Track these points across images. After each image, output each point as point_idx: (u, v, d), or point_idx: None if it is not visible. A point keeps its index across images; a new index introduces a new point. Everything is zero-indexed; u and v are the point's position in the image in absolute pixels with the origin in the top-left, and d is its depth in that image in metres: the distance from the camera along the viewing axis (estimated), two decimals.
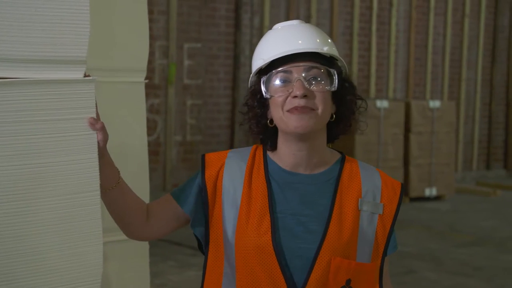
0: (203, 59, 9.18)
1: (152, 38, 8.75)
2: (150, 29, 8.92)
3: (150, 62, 8.75)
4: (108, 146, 2.34)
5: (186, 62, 9.08)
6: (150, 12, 8.71)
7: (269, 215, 1.83)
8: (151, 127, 8.82)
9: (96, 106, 1.75)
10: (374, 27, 10.72)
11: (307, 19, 10.07)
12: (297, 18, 9.88)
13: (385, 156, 9.37)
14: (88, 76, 1.73)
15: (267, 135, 1.91)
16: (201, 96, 9.13)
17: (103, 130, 1.76)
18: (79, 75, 1.70)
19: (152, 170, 8.71)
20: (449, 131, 10.03)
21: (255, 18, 9.57)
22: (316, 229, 1.83)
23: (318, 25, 10.13)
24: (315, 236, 1.82)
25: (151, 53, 8.72)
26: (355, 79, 10.36)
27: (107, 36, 2.40)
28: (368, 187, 1.89)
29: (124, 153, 2.47)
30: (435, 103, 9.84)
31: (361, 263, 1.84)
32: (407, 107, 9.63)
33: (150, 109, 8.82)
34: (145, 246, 2.57)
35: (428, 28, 11.37)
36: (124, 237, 2.40)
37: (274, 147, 1.92)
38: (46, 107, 1.66)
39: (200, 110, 9.13)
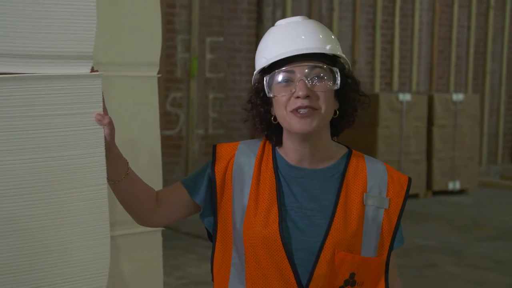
0: (225, 52, 9.20)
1: (174, 32, 8.79)
2: (172, 23, 8.98)
3: (172, 56, 8.84)
4: (121, 140, 2.36)
5: (208, 56, 9.10)
6: (172, 6, 8.75)
7: (277, 206, 1.85)
8: (173, 121, 8.87)
9: (103, 101, 1.78)
10: (397, 20, 10.66)
11: (329, 12, 10.05)
12: (319, 11, 9.87)
13: (407, 149, 9.32)
14: (96, 71, 1.75)
15: (272, 131, 1.92)
16: (223, 89, 9.16)
17: (110, 124, 1.78)
18: (86, 70, 1.72)
19: (174, 164, 8.76)
20: (473, 124, 9.96)
21: (277, 11, 9.56)
22: (320, 223, 1.84)
23: (340, 18, 10.10)
24: (319, 229, 1.84)
25: (173, 47, 8.77)
26: (377, 72, 10.32)
27: (120, 31, 2.41)
28: (374, 182, 1.90)
29: (137, 148, 2.49)
30: (458, 96, 9.77)
31: (366, 257, 1.85)
32: (430, 100, 9.57)
33: (172, 103, 8.86)
34: (158, 238, 2.59)
35: (452, 20, 11.27)
36: (137, 230, 2.44)
37: (279, 143, 1.93)
38: (53, 102, 1.68)
39: (222, 103, 9.15)
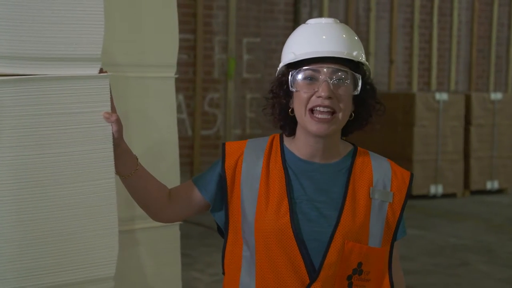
0: (262, 53, 9.30)
1: (211, 33, 8.93)
2: (210, 24, 9.11)
3: (209, 57, 8.98)
4: (138, 139, 2.46)
5: (245, 57, 9.22)
6: (210, 7, 8.89)
7: (287, 200, 1.94)
8: (211, 121, 9.01)
9: (112, 100, 1.89)
10: (435, 19, 10.63)
11: (366, 12, 10.08)
12: (356, 11, 9.91)
13: (444, 149, 9.29)
14: (104, 72, 1.87)
15: (287, 122, 2.01)
16: (260, 90, 9.25)
17: (117, 121, 1.89)
18: (95, 71, 1.85)
19: (211, 163, 8.88)
20: None
21: (314, 12, 9.62)
22: (330, 214, 1.93)
23: (377, 18, 10.12)
24: (329, 220, 1.93)
25: (211, 48, 8.91)
26: (415, 72, 10.28)
27: (138, 33, 2.50)
28: (379, 177, 1.99)
29: (154, 147, 2.58)
30: (496, 95, 9.70)
31: (372, 247, 1.94)
32: (467, 99, 9.53)
33: (210, 103, 9.00)
34: (176, 232, 2.68)
35: (491, 19, 11.19)
36: (156, 223, 2.53)
37: (292, 134, 2.02)
38: (63, 101, 1.81)
39: (259, 104, 9.25)
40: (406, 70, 10.51)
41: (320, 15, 9.55)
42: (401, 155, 9.01)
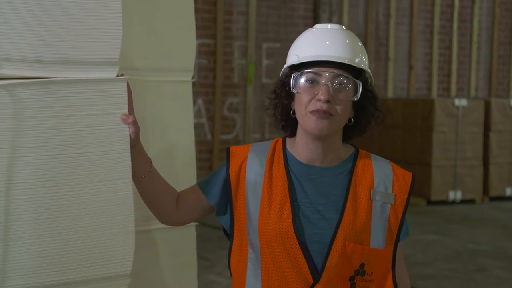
0: (282, 58, 9.28)
1: (231, 38, 9.00)
2: (230, 29, 9.19)
3: (229, 62, 9.05)
4: (156, 143, 2.51)
5: (265, 62, 9.28)
6: (230, 13, 8.96)
7: (289, 203, 1.98)
8: (230, 125, 9.07)
9: (131, 102, 1.95)
10: (455, 25, 10.63)
11: (386, 18, 10.10)
12: (376, 17, 9.94)
13: (463, 154, 9.28)
14: (121, 75, 1.93)
15: (289, 123, 2.06)
16: None
17: (134, 123, 1.95)
18: (113, 75, 1.91)
19: None
20: None
21: (334, 17, 9.66)
22: (331, 217, 1.97)
23: (397, 23, 10.14)
24: (330, 223, 1.97)
25: (231, 53, 8.98)
26: (435, 78, 10.26)
27: (155, 37, 2.55)
28: (380, 179, 2.02)
29: (171, 152, 2.61)
30: None
31: (374, 249, 1.97)
32: (487, 105, 9.51)
33: (229, 108, 9.07)
34: (192, 232, 2.72)
35: None
36: None
37: (294, 134, 2.06)
38: (83, 103, 1.88)
39: None
40: (426, 76, 10.51)
41: (340, 20, 9.59)
42: (420, 161, 9.02)
